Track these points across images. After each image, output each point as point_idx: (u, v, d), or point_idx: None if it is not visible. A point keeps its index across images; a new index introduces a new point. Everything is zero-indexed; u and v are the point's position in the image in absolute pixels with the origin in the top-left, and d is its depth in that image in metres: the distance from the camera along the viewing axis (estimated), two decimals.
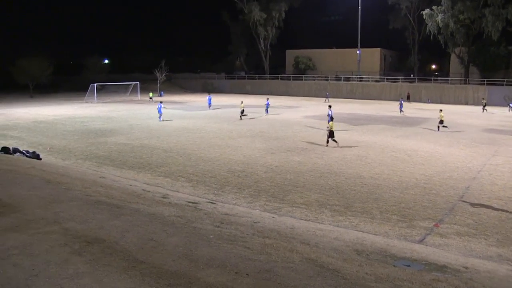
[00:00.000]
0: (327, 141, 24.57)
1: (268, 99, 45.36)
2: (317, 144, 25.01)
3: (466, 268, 8.14)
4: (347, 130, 31.59)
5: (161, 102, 40.61)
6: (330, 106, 32.13)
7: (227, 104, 53.86)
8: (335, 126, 25.26)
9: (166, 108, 44.04)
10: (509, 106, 50.21)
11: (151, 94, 64.79)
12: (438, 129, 31.12)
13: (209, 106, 48.49)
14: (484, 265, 8.74)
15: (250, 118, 38.77)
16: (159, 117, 37.06)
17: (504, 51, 61.80)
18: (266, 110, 42.61)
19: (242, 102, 39.83)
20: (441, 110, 32.20)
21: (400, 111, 44.17)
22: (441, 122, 31.39)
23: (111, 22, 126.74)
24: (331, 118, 27.02)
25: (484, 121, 38.59)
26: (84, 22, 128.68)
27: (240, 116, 38.51)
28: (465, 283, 6.96)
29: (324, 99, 63.38)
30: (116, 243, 7.02)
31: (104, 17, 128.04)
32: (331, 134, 24.47)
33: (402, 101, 46.49)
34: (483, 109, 48.42)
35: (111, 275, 5.70)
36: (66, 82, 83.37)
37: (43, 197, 9.93)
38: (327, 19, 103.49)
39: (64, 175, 14.84)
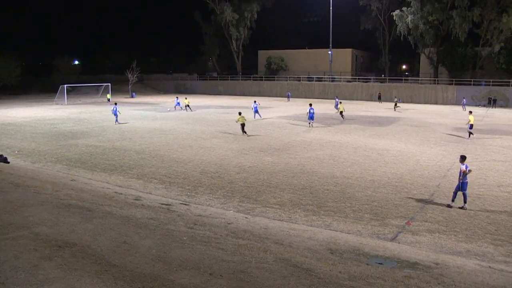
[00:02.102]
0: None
1: (255, 101, 41.01)
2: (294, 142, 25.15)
3: (437, 264, 8.31)
4: (319, 130, 31.83)
5: (115, 103, 38.20)
6: (310, 104, 33.73)
7: (199, 105, 53.63)
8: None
9: (138, 110, 43.56)
10: (463, 105, 51.69)
11: (108, 96, 64.01)
12: (469, 136, 28.26)
13: (175, 108, 48.64)
14: (454, 261, 8.94)
15: (227, 120, 38.67)
16: (116, 120, 35.57)
17: (471, 52, 63.39)
18: (256, 113, 38.39)
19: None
20: (470, 112, 29.50)
21: (336, 109, 45.01)
22: (471, 126, 28.35)
23: (82, 22, 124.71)
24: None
25: (454, 120, 39.47)
26: (54, 22, 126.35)
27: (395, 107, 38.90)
28: (435, 278, 7.11)
29: (286, 99, 64.89)
30: (88, 246, 6.90)
31: (75, 17, 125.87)
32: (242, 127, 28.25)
33: (338, 100, 48.17)
34: (395, 107, 48.81)
35: (83, 279, 5.60)
36: (36, 84, 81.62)
37: (11, 201, 9.69)
38: (299, 20, 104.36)
39: (33, 178, 14.52)
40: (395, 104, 49.39)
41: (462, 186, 13.78)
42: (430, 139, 27.90)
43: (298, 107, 49.86)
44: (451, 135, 29.80)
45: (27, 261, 6.12)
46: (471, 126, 28.29)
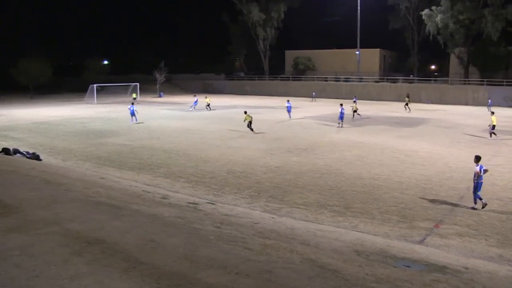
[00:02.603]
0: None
1: (288, 100, 41.63)
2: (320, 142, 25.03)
3: (467, 268, 8.14)
4: (347, 130, 31.59)
5: (132, 103, 37.99)
6: (341, 104, 33.90)
7: (227, 105, 53.85)
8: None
9: (166, 110, 44.04)
10: (488, 106, 50.33)
11: (134, 95, 63.94)
12: (491, 136, 28.12)
13: (193, 107, 48.80)
14: (485, 266, 8.75)
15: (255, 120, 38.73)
16: (131, 119, 35.56)
17: (504, 51, 61.71)
18: (289, 112, 39.43)
19: (354, 101, 37.89)
20: (493, 113, 29.38)
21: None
22: (493, 127, 28.25)
23: (111, 23, 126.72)
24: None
25: (484, 121, 38.50)
26: (84, 23, 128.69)
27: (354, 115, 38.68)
28: (465, 283, 6.97)
29: (311, 99, 64.44)
30: (117, 243, 7.02)
31: (104, 18, 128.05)
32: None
33: (356, 99, 48.13)
34: (406, 106, 47.86)
35: (111, 275, 5.70)
36: (66, 83, 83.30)
37: (43, 198, 9.94)
38: (326, 19, 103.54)
39: (64, 176, 14.84)
40: (406, 103, 48.51)
41: (476, 186, 13.77)
42: (460, 140, 27.35)
43: (325, 107, 49.54)
44: (482, 137, 29.12)
45: (59, 256, 6.27)
46: (494, 127, 28.20)
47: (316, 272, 6.54)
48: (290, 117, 39.13)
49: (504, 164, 20.42)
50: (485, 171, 13.94)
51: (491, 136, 28.11)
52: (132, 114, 35.63)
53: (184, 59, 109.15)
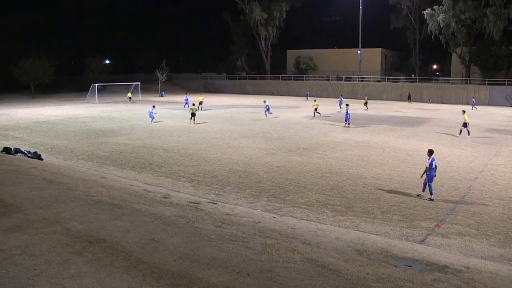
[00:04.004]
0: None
1: (265, 101, 43.50)
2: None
3: (468, 268, 8.13)
4: (348, 130, 31.58)
5: (153, 106, 38.15)
6: (347, 105, 34.88)
7: (228, 105, 53.87)
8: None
9: (167, 109, 44.10)
10: (473, 105, 51.29)
11: (129, 95, 63.67)
12: (468, 134, 28.49)
13: (185, 106, 48.93)
14: (486, 265, 8.74)
15: (256, 120, 38.78)
16: (151, 120, 35.79)
17: (506, 51, 61.60)
18: (266, 111, 40.64)
19: (315, 100, 42.64)
20: (464, 112, 29.63)
21: (340, 107, 47.13)
22: (465, 125, 28.77)
23: (112, 22, 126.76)
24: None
25: (486, 121, 38.56)
26: (86, 22, 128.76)
27: (314, 114, 40.00)
28: (466, 283, 6.96)
29: (304, 98, 65.23)
30: (118, 243, 7.03)
31: (106, 17, 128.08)
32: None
33: (342, 98, 49.79)
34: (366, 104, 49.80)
35: (112, 275, 5.71)
36: (68, 82, 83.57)
37: (45, 197, 9.95)
38: (328, 19, 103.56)
39: (65, 175, 14.86)
40: (366, 103, 50.48)
41: (428, 177, 14.61)
42: (461, 140, 27.31)
43: (327, 107, 49.52)
44: (483, 136, 29.09)
45: (60, 255, 6.28)
46: (466, 125, 28.80)
47: (317, 272, 6.53)
48: (266, 116, 40.03)
49: (505, 164, 20.39)
50: (435, 167, 14.71)
51: (460, 133, 28.80)
52: (151, 116, 35.89)
53: (185, 58, 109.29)
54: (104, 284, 5.43)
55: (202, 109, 46.59)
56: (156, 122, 35.73)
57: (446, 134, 29.86)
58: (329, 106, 49.88)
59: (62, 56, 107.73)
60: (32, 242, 6.76)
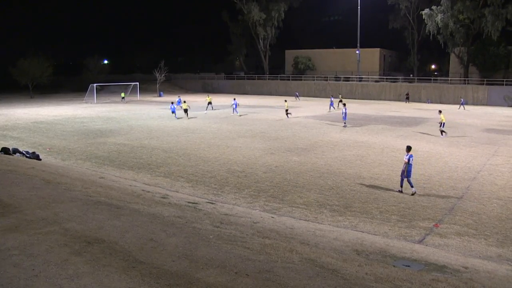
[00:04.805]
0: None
1: (234, 99, 45.73)
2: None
3: (466, 268, 8.14)
4: (347, 130, 31.59)
5: (172, 102, 41.49)
6: (344, 104, 35.53)
7: (227, 105, 53.84)
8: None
9: (167, 110, 44.17)
10: (462, 104, 51.96)
11: (123, 95, 63.99)
12: (442, 134, 28.92)
13: (178, 104, 49.07)
14: (484, 265, 8.75)
15: (255, 120, 38.79)
16: (175, 115, 39.22)
17: (504, 51, 61.73)
18: (234, 109, 43.04)
19: (286, 101, 43.44)
20: (440, 112, 30.15)
21: (330, 109, 47.29)
22: (443, 125, 29.31)
23: (111, 22, 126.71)
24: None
25: (484, 121, 38.60)
26: (84, 22, 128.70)
27: (287, 115, 39.78)
28: (465, 283, 6.97)
29: (295, 98, 65.39)
30: (116, 243, 7.02)
31: (104, 17, 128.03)
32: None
33: (333, 99, 49.74)
34: (332, 107, 49.59)
35: (111, 275, 5.70)
36: (66, 83, 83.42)
37: (43, 198, 9.93)
38: (326, 19, 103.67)
39: (64, 175, 14.84)
40: (340, 100, 51.51)
41: (405, 172, 15.25)
42: (460, 140, 27.35)
43: (325, 107, 49.52)
44: (482, 136, 29.13)
45: (58, 255, 6.27)
46: (443, 125, 29.22)
47: (316, 272, 6.53)
48: (233, 113, 42.49)
49: (503, 164, 20.42)
50: (410, 163, 15.24)
51: (442, 134, 28.93)
52: (173, 111, 39.37)
53: (184, 58, 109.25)
54: (102, 284, 5.42)
55: (213, 108, 47.53)
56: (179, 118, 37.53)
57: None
58: (328, 106, 49.84)
59: (60, 56, 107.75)
60: (30, 242, 6.75)
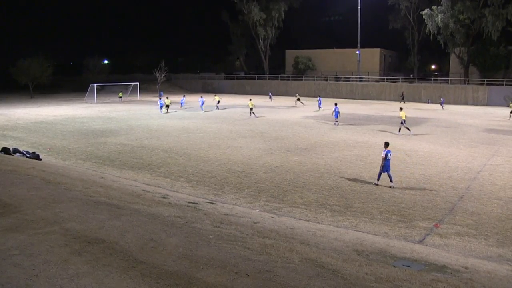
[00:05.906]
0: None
1: (201, 96, 48.18)
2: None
3: (466, 268, 8.14)
4: (347, 130, 31.58)
5: (184, 95, 45.69)
6: (336, 104, 35.49)
7: (227, 105, 53.84)
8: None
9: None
10: (441, 104, 52.52)
11: (120, 94, 64.70)
12: (399, 131, 29.89)
13: (181, 105, 50.82)
14: (484, 266, 8.74)
15: (255, 120, 38.81)
16: (201, 107, 44.59)
17: (504, 51, 61.66)
18: (201, 105, 45.44)
19: (250, 100, 43.98)
20: (401, 109, 30.97)
21: (319, 108, 47.93)
22: (403, 122, 30.07)
23: (111, 22, 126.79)
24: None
25: (484, 121, 38.58)
26: (84, 22, 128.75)
27: (250, 114, 40.61)
28: (465, 283, 6.97)
29: (268, 98, 65.20)
30: (116, 243, 7.02)
31: (104, 17, 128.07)
32: None
33: (320, 99, 50.02)
34: (298, 101, 52.50)
35: (111, 275, 5.70)
36: (66, 83, 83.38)
37: (43, 198, 9.94)
38: (326, 19, 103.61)
39: (64, 175, 14.84)
40: (298, 99, 54.86)
41: (384, 166, 16.07)
42: (460, 140, 27.34)
43: (325, 107, 49.49)
44: (482, 136, 29.12)
45: (58, 255, 6.27)
46: (404, 122, 30.09)
47: (316, 272, 6.54)
48: (202, 110, 44.90)
49: (503, 164, 20.42)
50: (389, 158, 16.02)
51: (399, 130, 29.90)
52: (182, 104, 44.48)
53: (184, 58, 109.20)
54: (102, 284, 5.43)
55: (219, 108, 48.68)
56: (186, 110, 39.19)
57: (445, 134, 29.86)
58: (327, 106, 49.82)
59: (60, 56, 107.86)
60: (30, 242, 6.75)
